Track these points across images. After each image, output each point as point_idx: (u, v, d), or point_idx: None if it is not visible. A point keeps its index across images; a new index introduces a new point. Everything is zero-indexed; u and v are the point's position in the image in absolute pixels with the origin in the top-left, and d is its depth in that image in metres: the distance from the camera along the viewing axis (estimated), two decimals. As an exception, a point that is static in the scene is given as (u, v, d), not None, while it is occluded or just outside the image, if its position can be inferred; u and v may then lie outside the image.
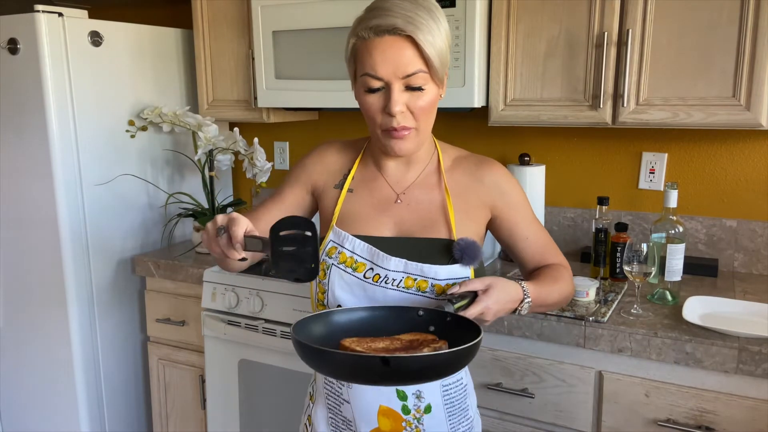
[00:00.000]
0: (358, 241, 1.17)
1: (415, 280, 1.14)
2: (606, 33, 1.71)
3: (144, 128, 2.32)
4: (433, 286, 1.14)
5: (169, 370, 2.29)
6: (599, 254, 1.86)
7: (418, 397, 1.17)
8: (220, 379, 2.08)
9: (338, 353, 0.97)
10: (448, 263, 1.15)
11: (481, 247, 1.18)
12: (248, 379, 2.02)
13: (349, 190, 1.23)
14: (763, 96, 1.58)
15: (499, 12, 1.83)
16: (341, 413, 1.21)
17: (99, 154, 2.21)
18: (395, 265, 1.15)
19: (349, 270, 1.16)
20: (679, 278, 1.69)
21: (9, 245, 2.24)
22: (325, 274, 1.18)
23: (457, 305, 1.06)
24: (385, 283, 1.15)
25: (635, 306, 1.61)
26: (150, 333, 2.30)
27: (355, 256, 1.16)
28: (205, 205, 2.41)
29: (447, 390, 1.20)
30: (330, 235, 1.20)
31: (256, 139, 2.26)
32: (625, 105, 1.71)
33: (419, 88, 1.09)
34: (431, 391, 1.17)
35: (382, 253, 1.16)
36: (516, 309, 1.13)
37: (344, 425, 1.22)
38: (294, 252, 0.98)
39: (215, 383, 2.10)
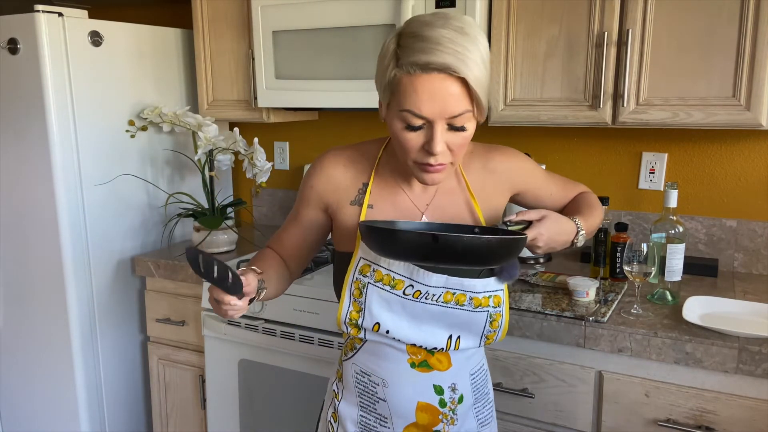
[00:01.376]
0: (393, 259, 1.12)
1: (454, 294, 1.14)
2: (606, 33, 1.71)
3: (144, 128, 2.32)
4: (471, 299, 1.15)
5: (169, 370, 2.29)
6: (599, 254, 1.86)
7: (453, 389, 1.20)
8: (220, 379, 2.08)
9: (400, 231, 1.03)
10: (485, 274, 1.16)
11: (518, 266, 1.20)
12: (248, 379, 2.02)
13: (369, 206, 1.18)
14: (763, 96, 1.58)
15: (499, 12, 1.83)
16: (375, 411, 1.21)
17: (99, 154, 2.21)
18: (436, 281, 1.13)
19: (387, 288, 1.14)
20: (679, 278, 1.69)
21: (9, 245, 2.24)
22: (361, 292, 1.14)
23: (512, 228, 1.14)
24: (425, 298, 1.14)
25: (635, 306, 1.61)
26: (150, 333, 2.30)
27: (393, 274, 1.13)
28: (205, 205, 2.41)
29: (474, 378, 1.24)
30: (359, 253, 1.15)
31: (256, 139, 2.26)
32: (625, 105, 1.71)
33: (462, 128, 1.06)
34: (463, 382, 1.22)
35: (421, 270, 1.13)
36: (572, 241, 1.21)
37: (378, 423, 1.21)
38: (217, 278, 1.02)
39: (215, 383, 2.10)
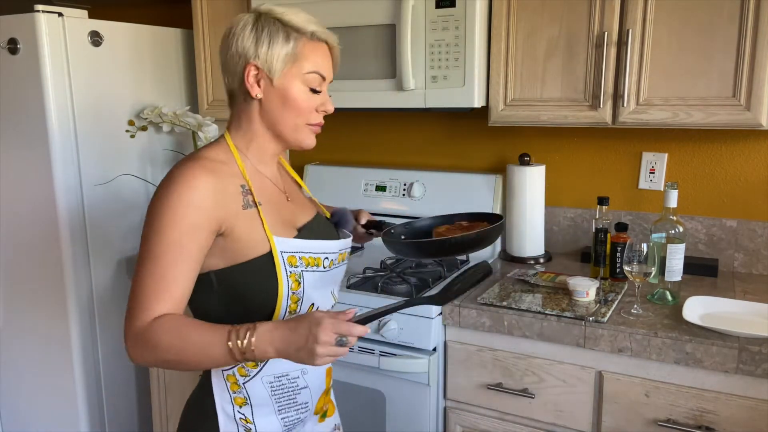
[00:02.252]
0: (305, 241, 1.19)
1: (344, 253, 1.30)
2: (606, 33, 1.71)
3: (144, 128, 2.32)
4: (348, 254, 1.34)
5: (169, 371, 2.29)
6: (599, 254, 1.86)
7: None
8: (220, 379, 2.08)
9: (449, 238, 1.43)
10: (341, 234, 1.34)
11: (349, 212, 1.41)
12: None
13: (259, 203, 1.15)
14: (763, 96, 1.58)
15: (499, 12, 1.83)
16: (296, 402, 1.23)
17: (99, 154, 2.21)
18: (337, 246, 1.26)
19: (314, 268, 1.20)
20: (679, 278, 1.69)
21: (9, 245, 2.24)
22: (299, 283, 1.15)
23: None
24: (335, 264, 1.26)
25: (635, 306, 1.61)
26: (150, 333, 2.30)
27: (312, 254, 1.20)
28: (205, 205, 2.41)
29: None
30: (278, 247, 1.13)
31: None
32: (625, 105, 1.71)
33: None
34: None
35: (325, 241, 1.23)
36: None
37: (298, 413, 1.24)
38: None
39: (215, 383, 2.09)
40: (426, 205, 2.23)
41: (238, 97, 1.18)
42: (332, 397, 1.42)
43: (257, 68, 1.13)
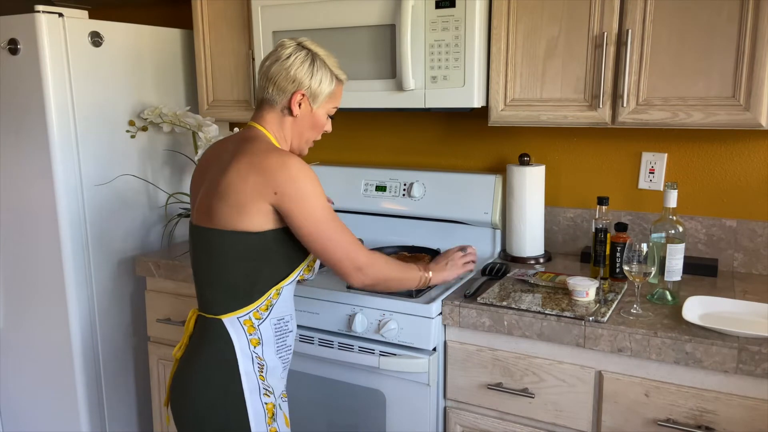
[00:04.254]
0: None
1: None
2: (606, 33, 1.71)
3: (144, 128, 2.32)
4: None
5: (169, 370, 2.29)
6: (599, 254, 1.86)
7: None
8: (220, 379, 2.08)
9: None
10: None
11: None
12: (248, 379, 2.02)
13: None
14: (762, 96, 1.58)
15: (499, 12, 1.83)
16: (286, 344, 1.54)
17: (99, 154, 2.21)
18: None
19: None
20: (678, 278, 1.69)
21: (9, 245, 2.24)
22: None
23: None
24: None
25: (635, 306, 1.61)
26: (150, 333, 2.30)
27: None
28: (205, 205, 2.41)
29: None
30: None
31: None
32: (624, 105, 1.72)
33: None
34: None
35: None
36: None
37: (288, 354, 1.56)
38: None
39: (215, 383, 2.09)
40: (426, 205, 2.23)
41: (275, 107, 1.50)
42: None
43: (303, 95, 1.49)
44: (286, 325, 1.54)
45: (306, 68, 1.47)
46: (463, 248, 1.77)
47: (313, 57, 1.48)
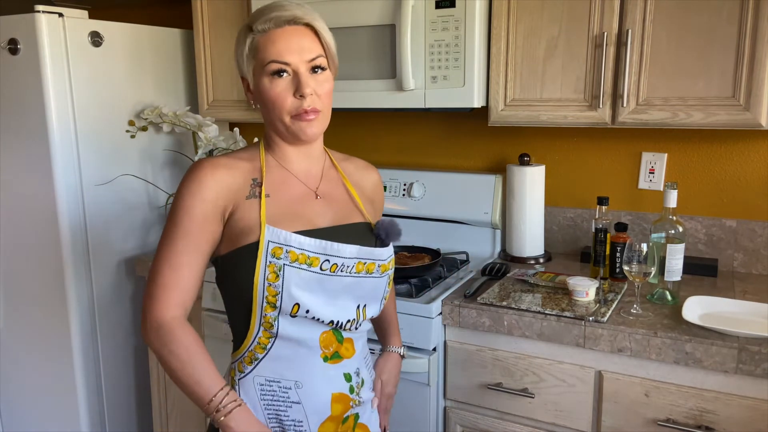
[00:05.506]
0: (303, 237, 1.16)
1: (365, 263, 1.22)
2: (606, 33, 1.71)
3: (144, 128, 2.32)
4: (379, 266, 1.24)
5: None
6: (599, 254, 1.86)
7: (357, 374, 1.27)
8: (220, 379, 2.08)
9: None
10: (378, 245, 1.26)
11: (398, 224, 1.30)
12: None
13: (267, 195, 1.20)
14: (762, 96, 1.58)
15: (499, 12, 1.83)
16: (288, 417, 1.20)
17: (99, 154, 2.21)
18: (350, 252, 1.19)
19: (305, 266, 1.15)
20: (678, 278, 1.69)
21: (9, 245, 2.24)
22: (277, 275, 1.13)
23: None
24: (341, 271, 1.19)
25: (635, 306, 1.61)
26: (150, 333, 2.30)
27: (306, 252, 1.16)
28: (205, 205, 2.41)
29: (366, 359, 1.32)
30: (266, 236, 1.14)
31: (256, 139, 2.26)
32: (624, 105, 1.72)
33: (322, 68, 1.19)
34: (362, 366, 1.30)
35: (335, 243, 1.18)
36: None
37: (292, 429, 1.20)
38: None
39: (215, 383, 2.09)
40: (426, 205, 2.23)
41: None
42: (373, 426, 1.32)
43: (243, 78, 1.22)
44: (285, 392, 1.19)
45: (235, 44, 1.22)
46: None
47: (243, 25, 1.21)
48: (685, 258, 1.84)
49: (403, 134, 2.40)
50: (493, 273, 1.92)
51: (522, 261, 2.08)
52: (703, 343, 1.45)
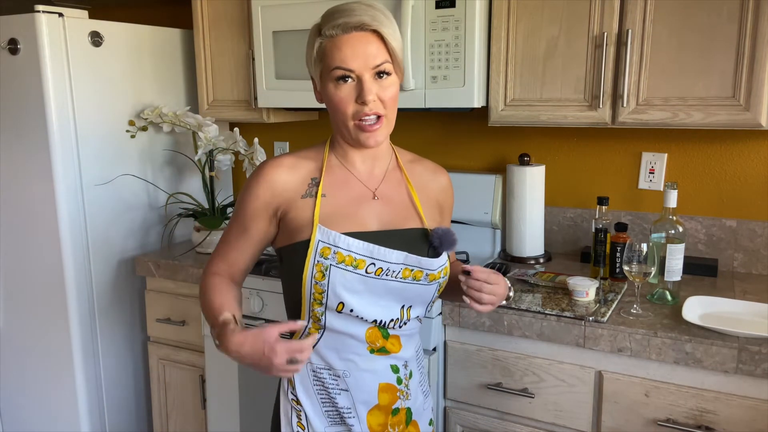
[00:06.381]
0: (352, 239, 1.19)
1: (412, 270, 1.23)
2: (606, 33, 1.71)
3: (144, 128, 2.32)
4: (427, 275, 1.24)
5: (169, 370, 2.29)
6: (599, 254, 1.86)
7: (405, 366, 1.30)
8: (220, 379, 2.08)
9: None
10: (431, 253, 1.26)
11: (454, 233, 1.28)
12: (248, 379, 2.02)
13: (323, 195, 1.24)
14: (762, 96, 1.58)
15: (499, 12, 1.83)
16: (337, 404, 1.26)
17: (99, 154, 2.21)
18: (396, 257, 1.21)
19: (350, 268, 1.19)
20: (678, 278, 1.69)
21: (9, 245, 2.24)
22: (324, 275, 1.19)
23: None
24: (386, 275, 1.21)
25: (635, 306, 1.61)
26: (150, 333, 2.30)
27: (353, 254, 1.19)
28: (206, 205, 2.41)
29: (417, 354, 1.35)
30: (317, 236, 1.19)
31: (256, 140, 2.27)
32: (624, 105, 1.72)
33: (387, 73, 1.19)
34: (411, 359, 1.32)
35: (382, 248, 1.20)
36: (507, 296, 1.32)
37: (340, 414, 1.27)
38: None
39: (215, 383, 2.10)
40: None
41: None
42: (424, 426, 1.36)
43: (312, 79, 1.26)
44: (335, 380, 1.26)
45: (307, 46, 1.25)
46: (287, 346, 1.11)
47: (313, 26, 1.24)
48: (685, 258, 1.84)
49: (404, 134, 2.40)
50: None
51: (522, 261, 2.08)
52: (703, 343, 1.45)
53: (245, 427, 2.07)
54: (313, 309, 1.22)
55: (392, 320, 1.25)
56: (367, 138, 1.20)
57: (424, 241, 1.27)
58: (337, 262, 1.19)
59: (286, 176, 1.25)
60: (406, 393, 1.30)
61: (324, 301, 1.20)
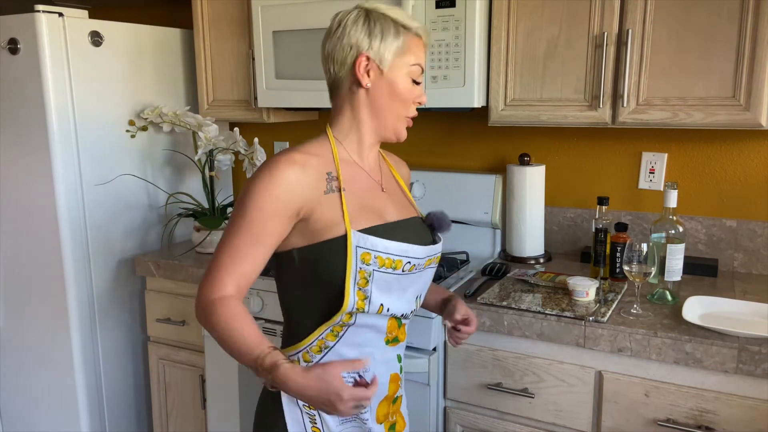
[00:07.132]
0: (387, 241, 1.19)
1: (431, 259, 1.29)
2: (606, 33, 1.71)
3: (144, 128, 2.32)
4: (435, 259, 1.32)
5: (169, 369, 2.29)
6: (599, 254, 1.86)
7: (401, 357, 1.36)
8: (220, 379, 2.08)
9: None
10: (437, 238, 1.34)
11: (447, 216, 1.36)
12: (248, 379, 2.02)
13: (343, 189, 1.21)
14: (762, 96, 1.58)
15: (499, 12, 1.83)
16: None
17: (99, 154, 2.21)
18: (423, 252, 1.25)
19: (390, 270, 1.20)
20: (678, 278, 1.69)
21: (9, 245, 2.24)
22: (367, 281, 1.17)
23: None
24: (417, 269, 1.26)
25: (635, 306, 1.61)
26: (150, 333, 2.30)
27: (392, 256, 1.20)
28: (206, 205, 2.41)
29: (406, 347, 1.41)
30: (353, 242, 1.16)
31: (256, 139, 2.27)
32: (625, 105, 1.72)
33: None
34: (403, 352, 1.37)
35: (413, 246, 1.23)
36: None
37: (352, 424, 1.27)
38: None
39: (215, 383, 2.10)
40: (426, 205, 2.22)
41: (342, 87, 1.24)
42: (404, 410, 1.39)
43: (368, 59, 1.20)
44: (351, 375, 1.20)
45: (360, 26, 1.19)
46: (354, 392, 1.11)
47: (367, 13, 1.21)
48: (685, 258, 1.84)
49: (403, 134, 2.40)
50: (493, 273, 1.92)
51: (522, 261, 2.08)
52: (703, 343, 1.45)
53: (245, 427, 2.07)
54: (357, 310, 1.19)
55: (411, 311, 1.29)
56: (405, 132, 1.28)
57: (425, 228, 1.33)
58: (379, 266, 1.18)
59: (301, 174, 1.17)
60: (403, 381, 1.37)
61: (366, 308, 1.19)
